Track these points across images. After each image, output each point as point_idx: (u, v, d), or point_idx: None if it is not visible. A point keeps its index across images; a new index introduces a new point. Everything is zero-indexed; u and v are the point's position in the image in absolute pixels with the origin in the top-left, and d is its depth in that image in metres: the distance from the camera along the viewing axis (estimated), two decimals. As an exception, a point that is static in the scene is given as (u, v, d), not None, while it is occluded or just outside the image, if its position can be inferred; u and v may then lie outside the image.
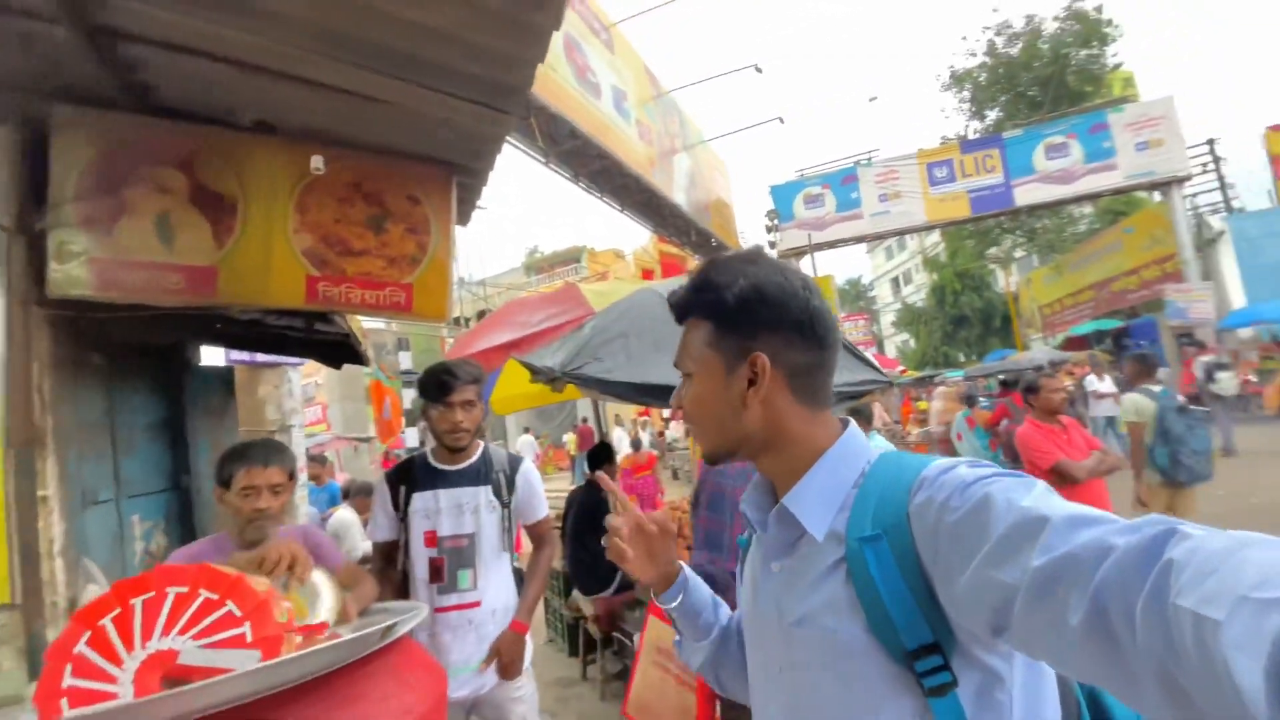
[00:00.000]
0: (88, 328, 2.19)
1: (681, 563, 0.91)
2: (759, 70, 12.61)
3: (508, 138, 8.08)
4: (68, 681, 0.75)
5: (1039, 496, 0.52)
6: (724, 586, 1.53)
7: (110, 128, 2.01)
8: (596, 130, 9.16)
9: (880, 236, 17.26)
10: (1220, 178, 15.76)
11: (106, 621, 0.78)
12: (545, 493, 2.15)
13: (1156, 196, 14.82)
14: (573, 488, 4.63)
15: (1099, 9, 17.72)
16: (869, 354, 4.08)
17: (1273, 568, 0.35)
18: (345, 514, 4.24)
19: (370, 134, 2.27)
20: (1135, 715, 0.68)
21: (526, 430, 17.83)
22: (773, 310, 0.70)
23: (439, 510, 1.89)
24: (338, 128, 2.24)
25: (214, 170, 2.15)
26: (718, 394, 0.72)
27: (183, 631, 0.79)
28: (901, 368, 17.42)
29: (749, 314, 0.71)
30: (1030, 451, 3.14)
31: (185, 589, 0.81)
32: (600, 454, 3.92)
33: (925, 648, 0.58)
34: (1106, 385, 8.85)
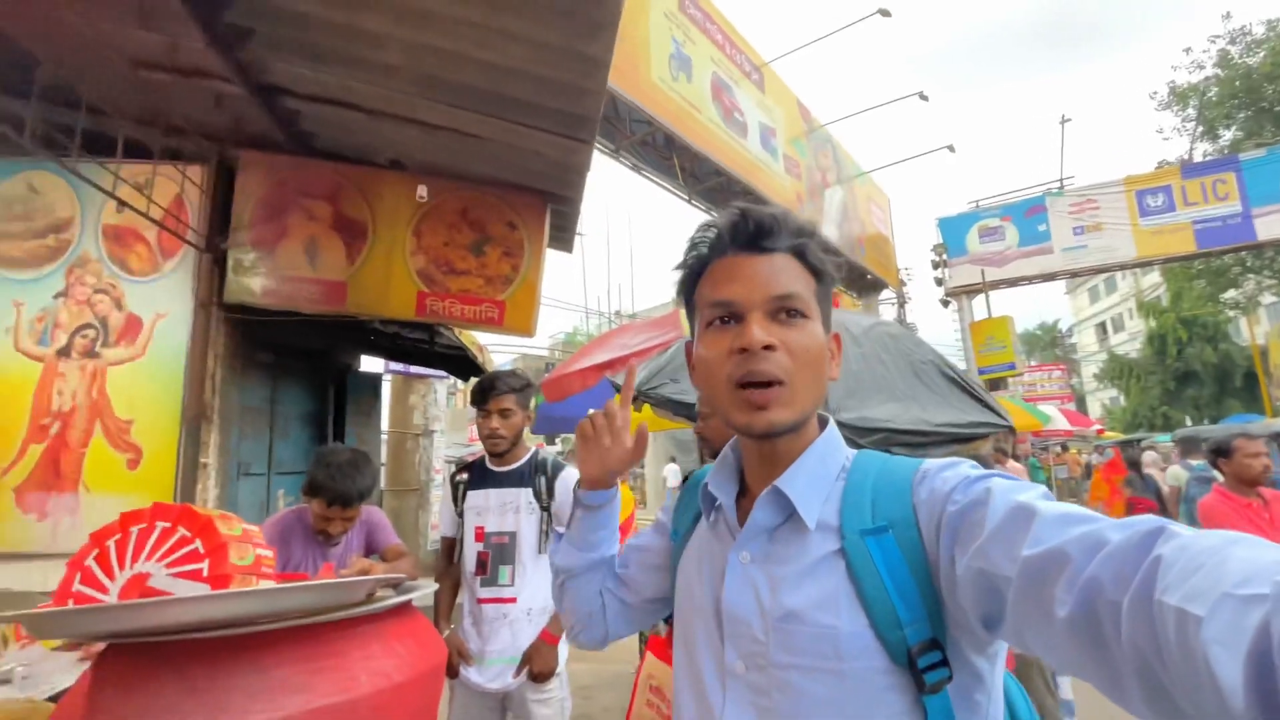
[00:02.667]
0: (258, 330, 2.69)
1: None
2: (924, 98, 11.92)
3: (652, 177, 8.45)
4: (76, 586, 0.93)
5: (1036, 496, 0.52)
6: None
7: (279, 167, 2.50)
8: (741, 167, 9.26)
9: (1075, 274, 15.13)
10: None
11: (110, 543, 0.96)
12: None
13: None
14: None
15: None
16: (1010, 397, 3.59)
17: (1256, 565, 0.35)
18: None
19: (475, 167, 2.56)
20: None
21: (672, 460, 17.95)
22: (832, 305, 0.71)
23: (488, 508, 2.01)
24: (450, 162, 2.55)
25: (352, 201, 2.56)
26: (824, 349, 0.66)
27: (160, 559, 0.95)
28: (1098, 428, 14.88)
29: (832, 288, 0.70)
30: (1212, 526, 2.51)
31: (169, 524, 0.97)
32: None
33: (926, 644, 0.56)
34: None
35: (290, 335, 2.89)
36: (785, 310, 0.64)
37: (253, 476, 2.78)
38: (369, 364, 4.56)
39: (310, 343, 3.22)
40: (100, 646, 1.00)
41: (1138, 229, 13.31)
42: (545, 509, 1.99)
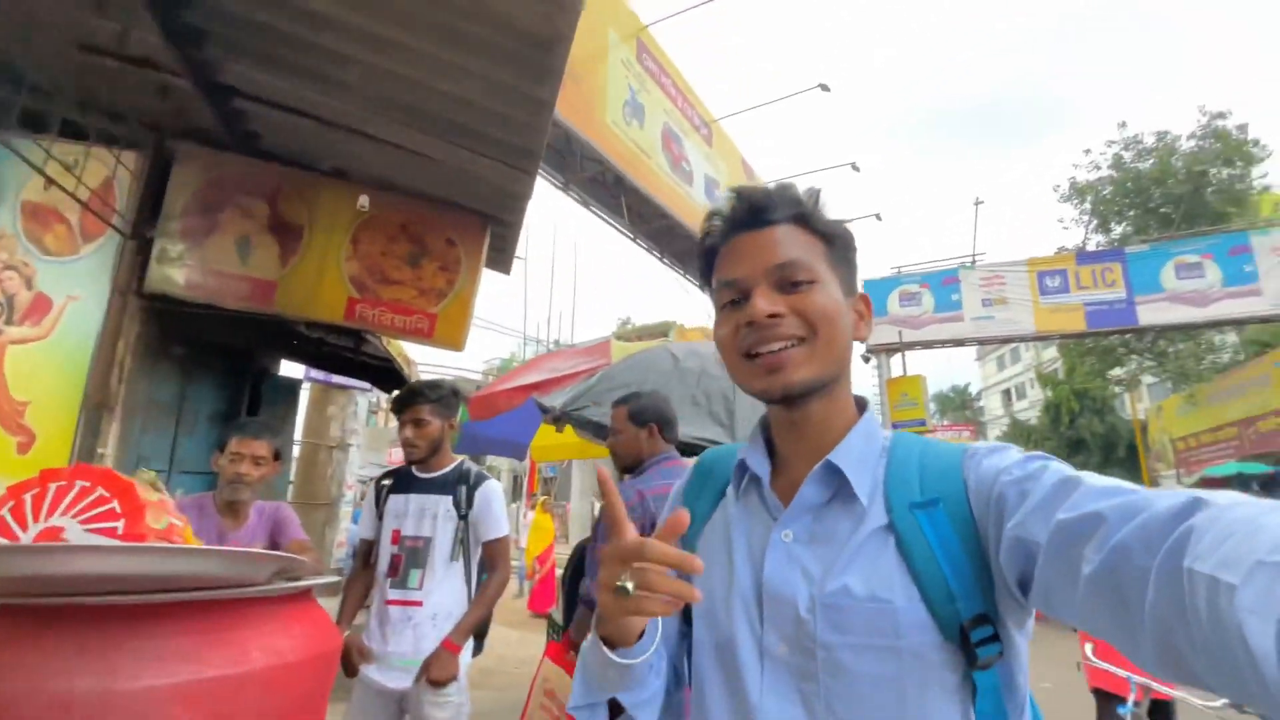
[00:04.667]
0: (176, 322, 2.64)
1: None
2: (856, 169, 12.88)
3: (599, 213, 8.67)
4: (-12, 535, 0.95)
5: (1083, 472, 0.53)
6: None
7: (219, 163, 2.52)
8: (685, 213, 9.69)
9: (981, 342, 16.40)
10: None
11: (27, 496, 0.98)
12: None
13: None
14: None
15: (1243, 128, 16.58)
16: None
17: None
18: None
19: (419, 183, 2.66)
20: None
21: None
22: (857, 263, 0.70)
23: (407, 513, 2.06)
24: (394, 176, 2.64)
25: (290, 204, 2.60)
26: (845, 310, 0.65)
27: (76, 515, 0.98)
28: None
29: (850, 253, 0.69)
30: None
31: (89, 484, 1.00)
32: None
33: (978, 618, 0.56)
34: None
35: (209, 331, 2.84)
36: (790, 279, 0.64)
37: (152, 472, 2.68)
38: (289, 369, 4.45)
39: (229, 340, 3.16)
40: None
41: (1038, 306, 14.65)
42: (463, 518, 2.05)
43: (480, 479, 2.16)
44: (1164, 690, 2.57)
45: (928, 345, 15.64)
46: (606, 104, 7.53)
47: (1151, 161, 18.21)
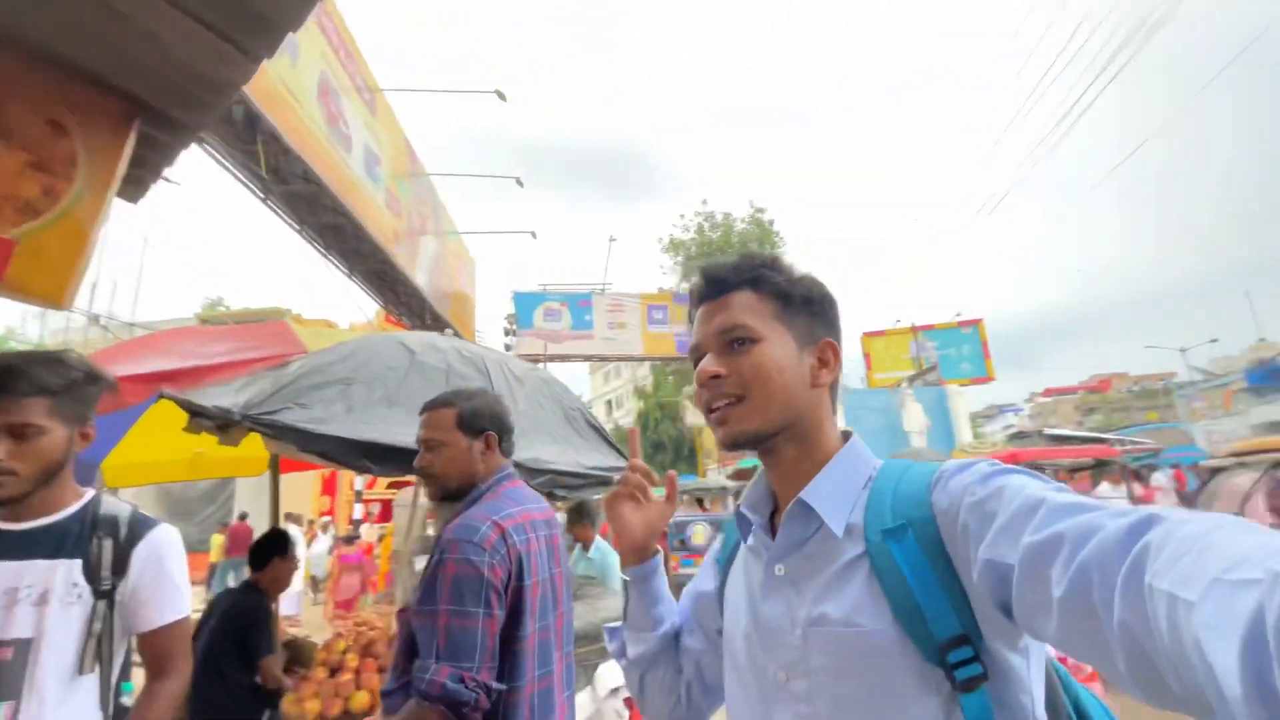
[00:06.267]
0: None
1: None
2: (520, 184, 13.25)
3: (221, 160, 6.72)
4: None
5: (1046, 487, 0.53)
6: (480, 709, 1.10)
7: None
8: (338, 182, 8.26)
9: (605, 359, 18.87)
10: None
11: None
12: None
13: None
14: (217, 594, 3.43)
15: (771, 221, 23.52)
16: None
17: (1244, 550, 0.35)
18: None
19: (33, 25, 1.52)
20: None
21: (152, 525, 13.45)
22: (831, 309, 0.75)
23: None
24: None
25: None
26: (791, 362, 0.70)
27: None
28: (608, 483, 18.47)
29: (813, 304, 0.73)
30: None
31: None
32: (270, 545, 2.97)
33: (956, 639, 0.56)
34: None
35: None
36: (733, 339, 0.70)
37: None
38: None
39: None
40: None
41: (646, 332, 17.69)
42: (104, 595, 1.19)
43: (141, 525, 1.31)
44: None
45: (565, 359, 17.19)
46: (253, 21, 5.89)
47: (719, 233, 24.11)
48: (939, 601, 0.57)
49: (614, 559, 3.82)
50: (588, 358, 18.04)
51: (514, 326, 16.66)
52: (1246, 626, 0.32)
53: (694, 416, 27.20)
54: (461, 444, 1.38)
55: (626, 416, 37.19)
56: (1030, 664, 0.60)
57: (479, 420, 1.40)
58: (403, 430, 2.18)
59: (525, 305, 16.93)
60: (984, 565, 0.53)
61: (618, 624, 0.91)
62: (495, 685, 1.13)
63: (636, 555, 0.86)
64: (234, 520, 10.56)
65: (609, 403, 42.37)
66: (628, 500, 0.86)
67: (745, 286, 0.73)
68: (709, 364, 0.71)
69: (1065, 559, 0.45)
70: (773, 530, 0.74)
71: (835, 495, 0.67)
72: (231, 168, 7.03)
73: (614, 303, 17.90)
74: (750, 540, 0.75)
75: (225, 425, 2.07)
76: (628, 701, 2.23)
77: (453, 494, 1.35)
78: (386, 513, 11.42)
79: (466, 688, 1.08)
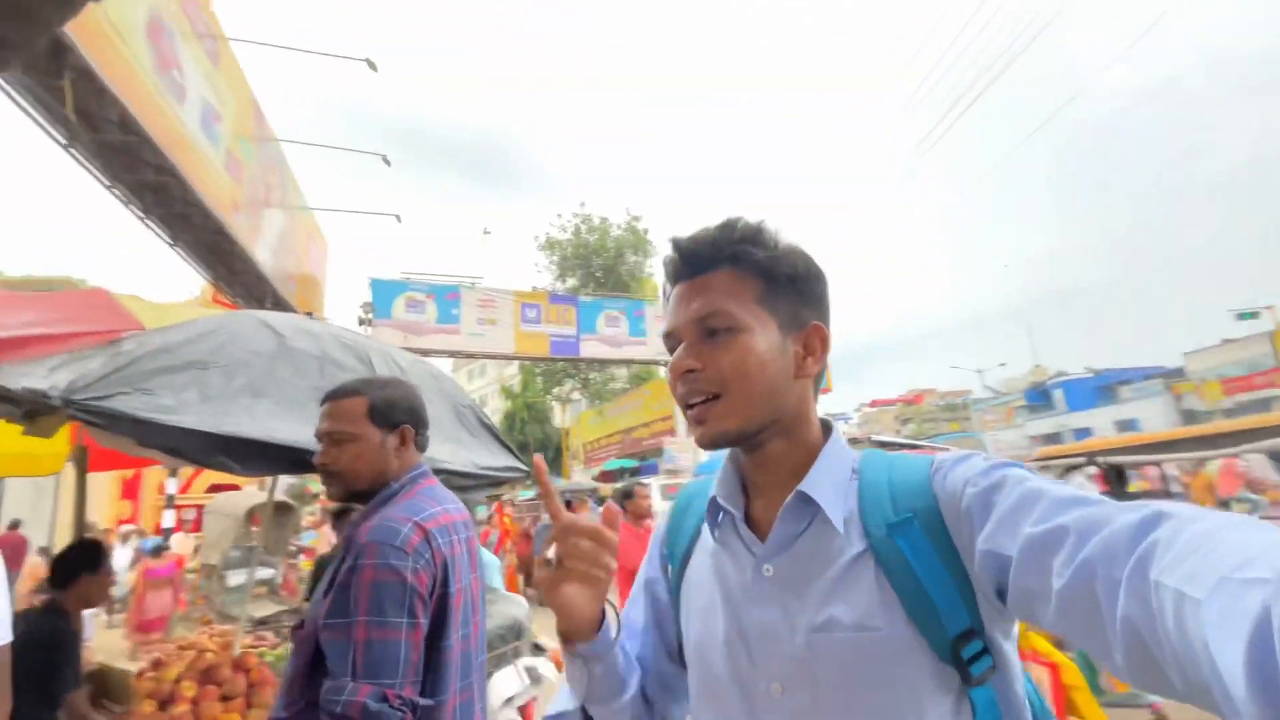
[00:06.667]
0: None
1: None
2: (388, 162, 12.36)
3: (11, 92, 5.52)
4: None
5: (1047, 481, 0.53)
6: None
7: None
8: (165, 136, 7.10)
9: (473, 356, 18.12)
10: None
11: None
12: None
13: (662, 371, 20.10)
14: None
15: (646, 231, 24.14)
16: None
17: (1253, 549, 0.35)
18: None
19: None
20: None
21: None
22: (818, 286, 0.68)
23: None
24: None
25: None
26: (774, 354, 0.64)
27: None
28: (470, 486, 17.82)
29: (799, 283, 0.67)
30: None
31: None
32: (78, 558, 2.46)
33: (965, 633, 0.56)
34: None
35: None
36: (710, 329, 0.64)
37: None
38: None
39: None
40: None
41: (518, 330, 17.31)
42: None
43: None
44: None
45: (428, 353, 16.23)
46: (65, -70, 4.90)
47: (596, 236, 24.26)
48: (949, 594, 0.56)
49: (494, 560, 3.69)
50: (453, 354, 17.23)
51: (370, 316, 15.47)
52: (1253, 626, 0.32)
53: (562, 418, 27.06)
54: (373, 438, 1.24)
55: (491, 416, 36.03)
56: (1015, 652, 0.60)
57: (394, 412, 1.27)
58: (272, 423, 1.93)
59: (384, 293, 15.78)
60: (983, 554, 0.53)
61: (561, 711, 0.72)
62: (421, 701, 1.03)
63: (591, 626, 0.65)
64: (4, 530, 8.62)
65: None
66: (574, 582, 0.63)
67: (725, 264, 0.66)
68: (684, 357, 0.65)
69: (1069, 551, 0.45)
70: (748, 524, 0.67)
71: (832, 488, 0.63)
72: (26, 105, 5.76)
73: (485, 298, 17.28)
74: (720, 536, 0.69)
75: (34, 412, 1.69)
76: (522, 710, 2.16)
77: (360, 494, 1.21)
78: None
79: (391, 707, 0.97)
